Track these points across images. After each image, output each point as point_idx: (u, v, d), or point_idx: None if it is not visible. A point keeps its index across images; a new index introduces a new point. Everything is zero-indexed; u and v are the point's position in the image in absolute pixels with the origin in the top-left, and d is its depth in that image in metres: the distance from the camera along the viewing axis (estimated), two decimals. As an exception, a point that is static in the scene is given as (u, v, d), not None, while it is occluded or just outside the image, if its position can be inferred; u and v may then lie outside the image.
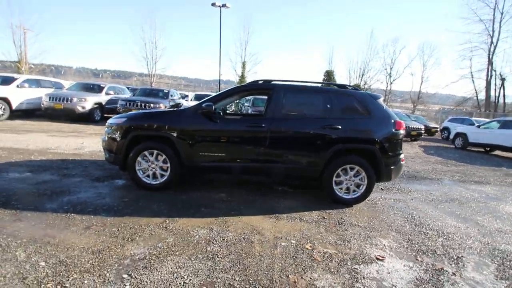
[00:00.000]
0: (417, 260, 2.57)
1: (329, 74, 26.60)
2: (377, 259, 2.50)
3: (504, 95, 30.27)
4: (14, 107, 9.20)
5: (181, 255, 2.31)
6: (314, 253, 2.51)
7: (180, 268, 2.14)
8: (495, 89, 30.49)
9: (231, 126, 3.72)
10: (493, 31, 29.07)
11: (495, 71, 30.05)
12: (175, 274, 2.05)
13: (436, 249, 2.81)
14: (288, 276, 2.14)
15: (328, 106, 3.74)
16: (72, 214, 2.88)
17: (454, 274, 2.39)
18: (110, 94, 11.27)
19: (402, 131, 3.84)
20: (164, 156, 3.66)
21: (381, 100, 3.92)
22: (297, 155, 3.70)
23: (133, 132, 3.65)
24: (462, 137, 12.19)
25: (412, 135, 13.07)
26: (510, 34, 28.78)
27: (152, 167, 3.71)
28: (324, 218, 3.33)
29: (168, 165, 3.67)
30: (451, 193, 4.96)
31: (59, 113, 9.59)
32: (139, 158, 3.68)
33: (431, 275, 2.34)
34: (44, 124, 8.94)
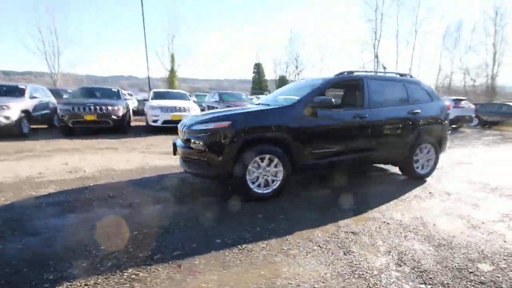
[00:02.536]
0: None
1: (258, 66, 27.51)
2: (516, 215, 3.06)
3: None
4: None
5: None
6: (485, 225, 2.84)
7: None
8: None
9: (338, 120, 3.59)
10: (376, 29, 36.34)
11: (379, 61, 37.81)
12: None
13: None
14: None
15: (407, 93, 4.09)
16: (247, 246, 2.25)
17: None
18: (36, 97, 8.51)
19: (449, 111, 4.59)
20: (276, 160, 3.23)
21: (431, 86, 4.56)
22: (392, 141, 3.94)
23: (245, 136, 3.05)
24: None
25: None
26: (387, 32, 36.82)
27: (263, 174, 3.21)
28: (431, 193, 3.71)
29: (281, 168, 3.26)
30: None
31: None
32: (249, 166, 3.12)
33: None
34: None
